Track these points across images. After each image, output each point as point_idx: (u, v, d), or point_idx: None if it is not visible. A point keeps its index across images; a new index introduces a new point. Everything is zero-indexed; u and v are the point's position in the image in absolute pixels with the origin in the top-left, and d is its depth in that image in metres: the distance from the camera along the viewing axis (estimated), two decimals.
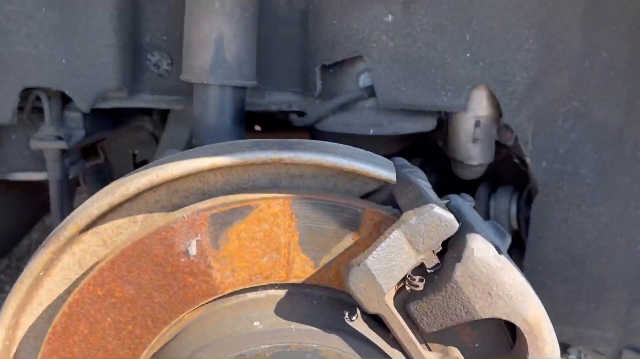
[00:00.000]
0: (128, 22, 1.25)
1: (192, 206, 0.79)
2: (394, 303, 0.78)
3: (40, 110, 1.34)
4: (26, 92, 1.23)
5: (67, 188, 1.35)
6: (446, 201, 0.80)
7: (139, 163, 1.86)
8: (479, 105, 1.30)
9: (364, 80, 1.33)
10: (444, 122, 1.40)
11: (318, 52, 1.31)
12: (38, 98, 1.28)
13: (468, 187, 1.57)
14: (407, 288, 0.77)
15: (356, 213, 0.79)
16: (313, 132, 1.57)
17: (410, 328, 0.78)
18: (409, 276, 0.76)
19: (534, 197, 1.38)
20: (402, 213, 0.80)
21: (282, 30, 1.34)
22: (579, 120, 1.31)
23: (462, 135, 1.34)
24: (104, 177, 1.83)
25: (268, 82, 1.37)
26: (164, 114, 1.74)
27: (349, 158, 0.80)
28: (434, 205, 0.74)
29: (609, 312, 1.43)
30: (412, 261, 0.75)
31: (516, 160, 1.40)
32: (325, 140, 1.54)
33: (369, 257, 0.73)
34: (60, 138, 1.26)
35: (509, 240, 0.89)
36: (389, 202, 0.85)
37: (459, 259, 0.74)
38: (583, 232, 1.40)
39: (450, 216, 0.74)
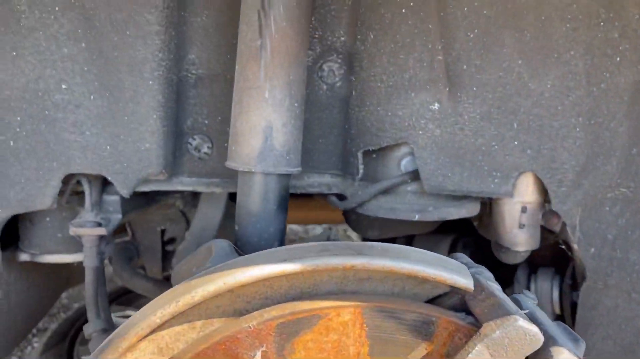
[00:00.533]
0: (172, 107, 1.25)
1: (257, 313, 0.75)
2: None
3: (77, 194, 1.33)
4: (67, 177, 1.22)
5: (102, 273, 1.31)
6: (526, 311, 0.76)
7: (167, 241, 1.83)
8: (526, 192, 1.28)
9: (405, 165, 1.31)
10: (486, 205, 1.38)
11: (360, 137, 1.30)
12: (78, 183, 1.27)
13: (503, 265, 1.53)
14: None
15: (430, 321, 0.75)
16: (348, 213, 1.56)
17: None
18: None
19: (581, 283, 1.34)
20: (477, 321, 0.76)
21: (323, 114, 1.34)
22: (627, 206, 1.28)
23: (507, 221, 1.31)
24: (131, 255, 1.79)
25: (307, 165, 1.35)
26: (194, 192, 1.73)
27: (425, 264, 0.76)
28: (518, 317, 0.70)
29: None
30: None
31: (563, 246, 1.36)
32: (364, 221, 1.54)
33: None
34: (99, 224, 1.23)
35: (583, 346, 0.84)
36: (459, 307, 0.81)
37: None
38: (633, 319, 1.35)
39: (535, 329, 0.70)
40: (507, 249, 1.34)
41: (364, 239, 1.74)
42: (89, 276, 1.28)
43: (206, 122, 1.33)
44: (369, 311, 0.74)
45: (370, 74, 1.25)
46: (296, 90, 1.15)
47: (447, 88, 1.21)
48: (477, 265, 0.93)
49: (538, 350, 0.72)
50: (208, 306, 0.78)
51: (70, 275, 1.96)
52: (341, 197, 1.39)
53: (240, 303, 0.78)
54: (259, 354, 0.74)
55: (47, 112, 1.14)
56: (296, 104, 1.15)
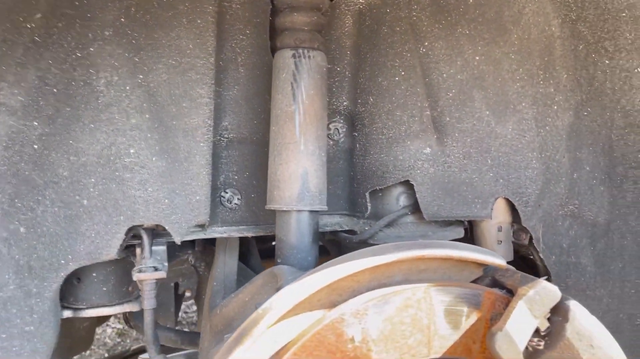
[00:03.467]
0: (211, 165, 1.48)
1: (356, 299, 0.99)
2: None
3: (127, 247, 1.50)
4: (127, 231, 1.39)
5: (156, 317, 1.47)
6: (545, 278, 1.05)
7: (179, 294, 1.98)
8: (499, 213, 1.61)
9: (403, 200, 1.61)
10: (467, 230, 1.70)
11: (367, 180, 1.59)
12: (133, 237, 1.44)
13: None
14: (530, 348, 0.99)
15: (478, 294, 1.02)
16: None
17: None
18: (530, 338, 0.99)
19: None
20: (509, 291, 1.04)
21: (331, 165, 1.62)
22: (575, 219, 1.64)
23: (488, 239, 1.63)
24: None
25: None
26: (203, 249, 1.93)
27: (472, 250, 1.05)
28: (542, 280, 0.99)
29: None
30: (533, 325, 0.98)
31: (532, 257, 1.69)
32: None
33: (507, 323, 0.95)
34: (157, 269, 1.41)
35: None
36: (491, 285, 1.09)
37: (566, 320, 0.98)
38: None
39: (555, 287, 0.99)
40: None
41: None
42: (148, 317, 1.43)
43: (236, 177, 1.57)
44: (435, 289, 1.01)
45: (373, 129, 1.57)
46: (322, 143, 1.43)
47: (435, 136, 1.54)
48: None
49: (557, 303, 1.01)
50: (311, 301, 1.01)
51: (73, 345, 2.04)
52: (350, 233, 1.65)
53: (334, 295, 1.02)
54: (359, 330, 0.97)
55: (117, 173, 1.34)
56: (323, 154, 1.43)
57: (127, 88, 1.32)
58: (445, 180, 1.55)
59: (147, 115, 1.35)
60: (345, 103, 1.62)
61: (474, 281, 1.10)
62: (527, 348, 0.99)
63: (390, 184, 1.56)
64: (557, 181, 1.61)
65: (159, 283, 1.46)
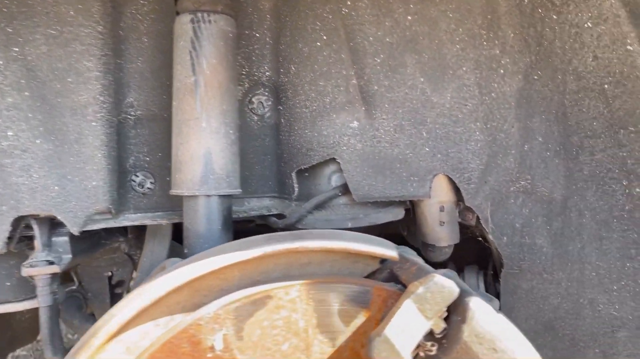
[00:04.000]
0: (114, 147, 1.34)
1: (215, 302, 0.85)
2: None
3: (24, 239, 1.37)
4: (16, 221, 1.27)
5: (57, 313, 1.35)
6: (444, 271, 0.90)
7: (114, 285, 1.86)
8: (441, 192, 1.45)
9: (335, 180, 1.46)
10: (410, 211, 1.54)
11: (293, 158, 1.44)
12: (26, 227, 1.31)
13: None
14: (422, 353, 0.84)
15: (366, 290, 0.87)
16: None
17: None
18: (422, 342, 0.84)
19: (500, 271, 1.51)
20: (405, 286, 0.89)
21: (257, 143, 1.47)
22: (528, 196, 1.47)
23: (429, 220, 1.47)
24: (79, 303, 1.81)
25: (247, 191, 1.47)
26: (138, 235, 1.79)
27: (355, 241, 0.89)
28: (435, 275, 0.84)
29: None
30: (424, 327, 0.83)
31: (480, 239, 1.53)
32: None
33: (387, 327, 0.80)
34: (51, 263, 1.28)
35: (496, 304, 0.99)
36: (389, 280, 0.94)
37: (463, 320, 0.83)
38: (548, 298, 1.53)
39: (451, 282, 0.84)
40: (433, 246, 1.50)
41: None
42: (43, 316, 1.31)
43: (147, 159, 1.43)
44: (312, 287, 0.86)
45: (296, 102, 1.41)
46: (230, 119, 1.28)
47: (363, 108, 1.37)
48: (400, 246, 1.07)
49: (457, 302, 0.86)
50: (169, 304, 0.87)
51: (15, 336, 1.95)
52: (280, 217, 1.51)
53: (198, 297, 0.88)
54: (220, 337, 0.83)
55: None
56: (231, 131, 1.28)
57: (0, 63, 1.18)
58: (375, 156, 1.38)
59: (26, 93, 1.21)
60: (267, 73, 1.46)
61: (371, 275, 0.95)
62: (418, 354, 0.84)
63: (315, 163, 1.40)
64: (506, 154, 1.43)
65: (58, 277, 1.34)
